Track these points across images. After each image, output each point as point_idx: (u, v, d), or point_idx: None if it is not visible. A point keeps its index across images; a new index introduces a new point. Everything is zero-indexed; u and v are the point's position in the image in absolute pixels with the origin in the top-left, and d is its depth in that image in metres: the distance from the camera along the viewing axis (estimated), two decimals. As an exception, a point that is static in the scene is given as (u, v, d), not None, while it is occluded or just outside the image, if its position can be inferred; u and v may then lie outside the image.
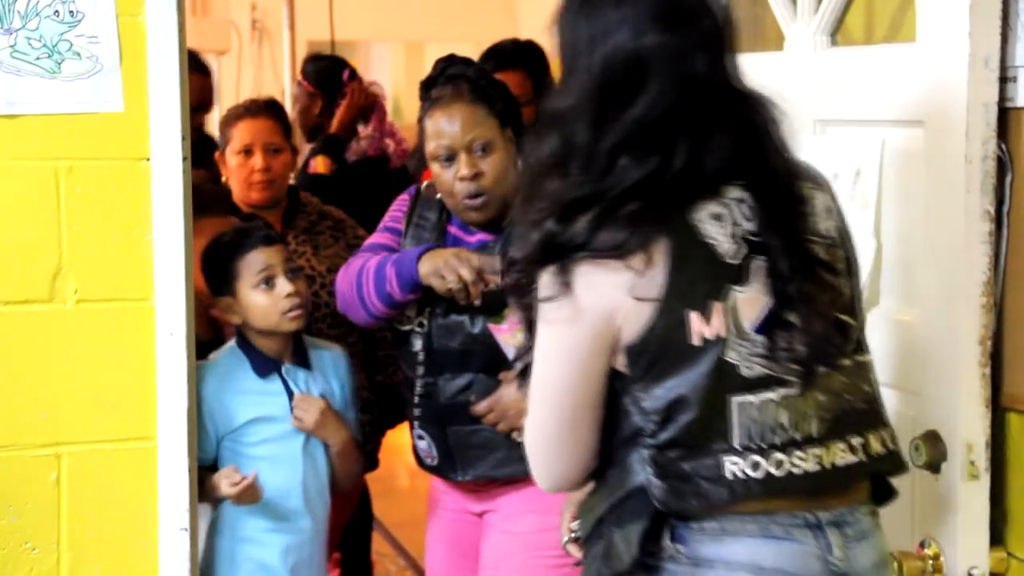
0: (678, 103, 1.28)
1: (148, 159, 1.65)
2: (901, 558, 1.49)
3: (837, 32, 1.70)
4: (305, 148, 3.31)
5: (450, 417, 1.90)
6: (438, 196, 1.98)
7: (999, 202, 1.44)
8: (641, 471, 1.30)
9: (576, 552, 1.51)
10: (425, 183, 2.04)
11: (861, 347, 1.36)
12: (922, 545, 1.50)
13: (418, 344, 1.91)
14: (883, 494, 1.38)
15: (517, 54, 2.90)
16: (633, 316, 1.28)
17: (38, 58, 1.61)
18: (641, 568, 1.31)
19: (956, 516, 1.46)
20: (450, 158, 1.88)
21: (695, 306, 1.27)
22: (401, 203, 2.05)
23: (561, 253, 1.28)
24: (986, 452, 1.45)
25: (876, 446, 1.33)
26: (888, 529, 1.57)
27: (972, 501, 1.45)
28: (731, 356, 1.27)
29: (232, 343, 1.92)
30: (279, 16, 4.34)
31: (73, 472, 1.66)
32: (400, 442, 2.46)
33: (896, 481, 1.53)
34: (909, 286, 1.55)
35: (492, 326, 1.87)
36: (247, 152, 2.43)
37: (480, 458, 1.90)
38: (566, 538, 1.52)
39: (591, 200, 1.28)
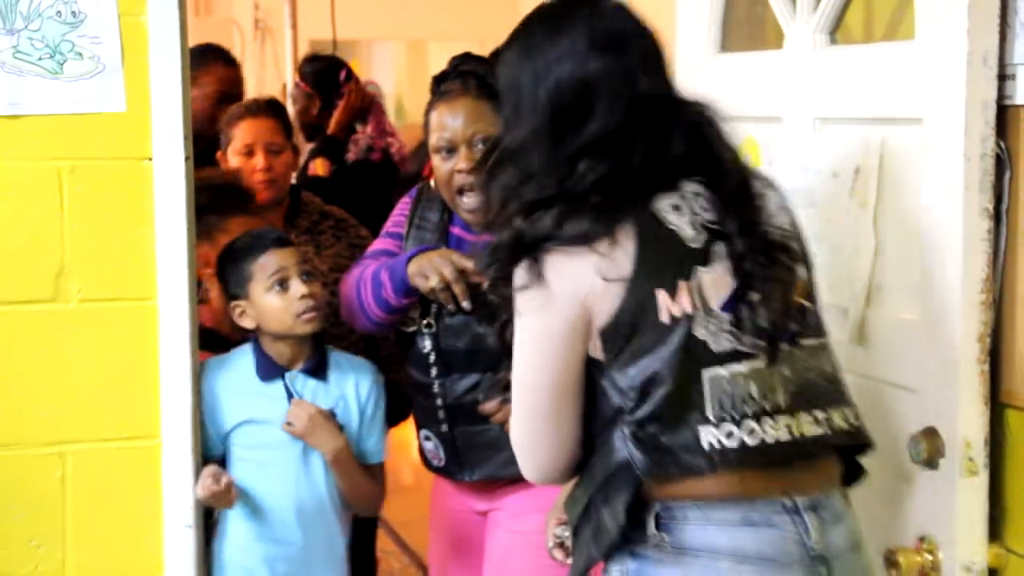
0: (628, 117, 1.34)
1: (150, 159, 1.65)
2: (899, 553, 1.48)
3: (836, 30, 1.69)
4: (305, 147, 3.30)
5: (457, 417, 1.90)
6: (439, 195, 1.97)
7: (998, 199, 1.43)
8: (623, 447, 1.33)
9: (561, 557, 1.55)
10: (424, 184, 2.03)
11: (821, 330, 1.41)
12: (920, 541, 1.49)
13: (427, 345, 1.90)
14: (853, 476, 1.42)
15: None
16: (604, 298, 1.33)
17: (40, 58, 1.60)
18: (629, 555, 1.34)
19: (954, 512, 1.45)
20: (451, 151, 1.87)
21: (662, 285, 1.32)
22: (403, 206, 2.04)
23: (531, 247, 1.34)
24: (984, 448, 1.44)
25: (840, 421, 1.37)
26: (887, 525, 1.57)
27: (970, 497, 1.44)
28: (699, 332, 1.31)
29: (249, 343, 1.89)
30: (281, 15, 4.33)
31: (77, 470, 1.66)
32: (404, 439, 2.45)
33: (894, 478, 1.54)
34: (908, 283, 1.54)
35: None
36: (249, 152, 2.42)
37: (487, 458, 1.89)
38: (551, 543, 1.57)
39: (555, 198, 1.34)
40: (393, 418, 2.57)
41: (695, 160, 1.37)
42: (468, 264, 1.82)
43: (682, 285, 1.32)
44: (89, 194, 1.64)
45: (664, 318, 1.31)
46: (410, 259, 1.86)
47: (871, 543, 1.52)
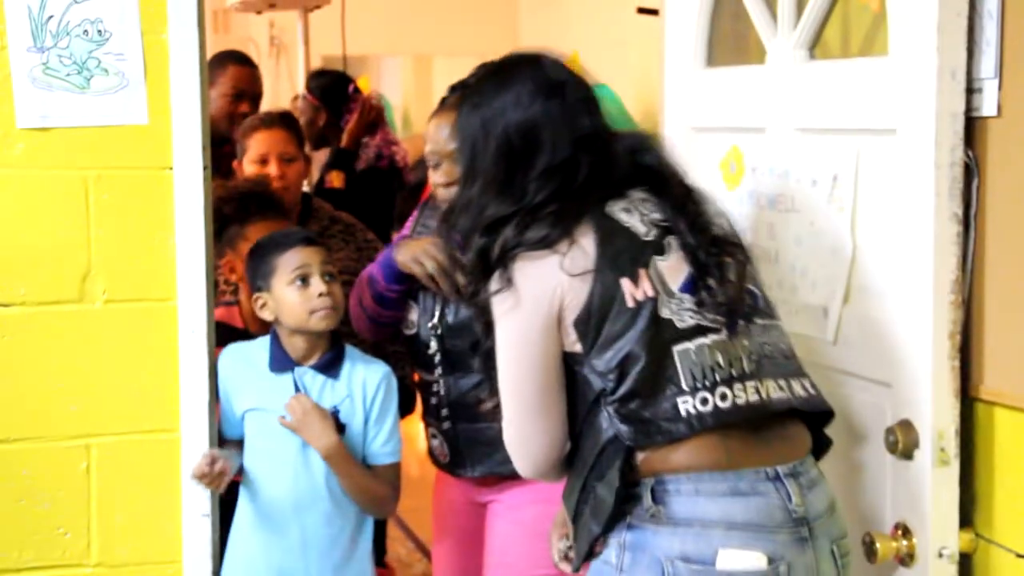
0: (573, 150, 1.43)
1: (171, 168, 1.67)
2: (877, 539, 1.51)
3: (815, 46, 1.71)
4: (313, 156, 3.34)
5: (460, 415, 1.90)
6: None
7: (966, 205, 1.46)
8: (610, 426, 1.38)
9: (567, 567, 1.56)
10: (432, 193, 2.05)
11: (772, 313, 1.48)
12: (896, 527, 1.51)
13: (432, 345, 1.90)
14: (820, 448, 1.48)
15: None
16: (572, 293, 1.39)
17: (68, 74, 1.63)
18: (626, 528, 1.38)
19: (928, 500, 1.47)
20: (437, 164, 1.87)
21: (624, 274, 1.39)
22: (413, 215, 2.06)
23: (498, 258, 1.40)
24: (956, 440, 1.46)
25: (799, 390, 1.44)
26: (864, 512, 1.60)
27: (942, 486, 1.46)
28: (664, 312, 1.39)
29: (268, 335, 1.85)
30: (295, 33, 4.36)
31: (102, 462, 1.69)
32: (410, 433, 2.48)
33: (872, 467, 1.57)
34: (883, 284, 1.56)
35: None
36: (263, 161, 2.46)
37: (488, 455, 1.89)
38: (557, 557, 1.59)
39: (513, 214, 1.41)
40: (399, 412, 2.60)
41: (639, 176, 1.45)
42: (454, 252, 1.80)
43: (642, 273, 1.39)
44: (114, 201, 1.66)
45: (630, 303, 1.38)
46: (395, 251, 1.87)
47: (850, 530, 1.55)
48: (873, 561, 1.51)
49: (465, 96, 1.51)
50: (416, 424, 2.10)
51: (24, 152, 1.64)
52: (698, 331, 1.39)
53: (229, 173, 2.52)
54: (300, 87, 3.99)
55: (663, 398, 1.36)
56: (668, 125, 2.01)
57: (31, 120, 1.63)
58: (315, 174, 3.43)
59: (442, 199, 1.89)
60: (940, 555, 1.47)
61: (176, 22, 1.65)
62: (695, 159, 1.94)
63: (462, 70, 2.24)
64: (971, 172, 1.46)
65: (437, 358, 1.91)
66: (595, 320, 1.38)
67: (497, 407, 1.50)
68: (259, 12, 4.36)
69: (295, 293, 1.78)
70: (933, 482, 1.46)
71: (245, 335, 2.04)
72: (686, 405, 1.36)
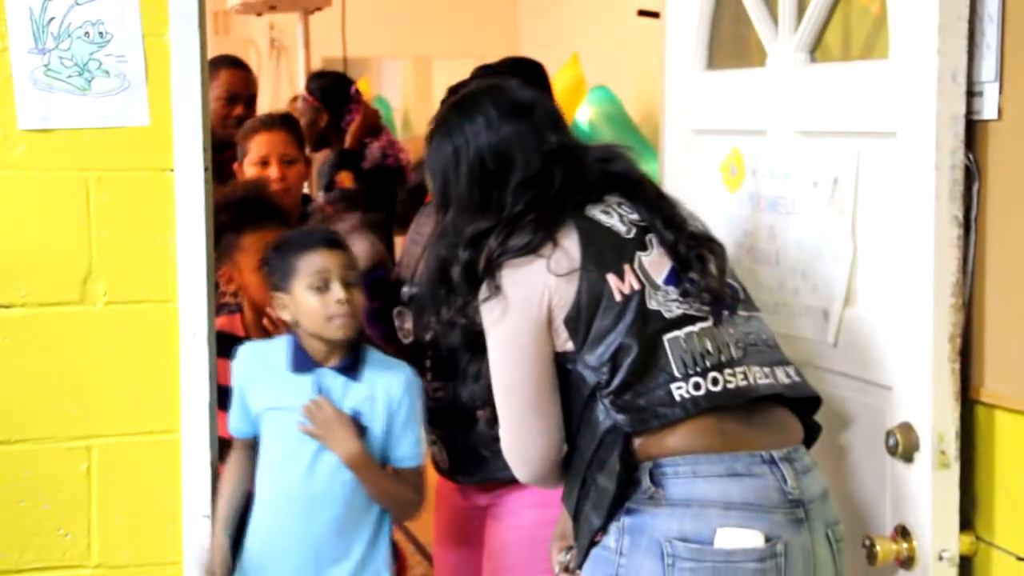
0: (544, 163, 1.46)
1: (172, 170, 1.67)
2: (877, 542, 1.50)
3: (816, 49, 1.71)
4: (313, 157, 3.34)
5: (458, 422, 1.90)
6: None
7: (967, 208, 1.45)
8: (607, 417, 1.40)
9: None
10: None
11: (753, 306, 1.51)
12: (897, 530, 1.51)
13: (429, 353, 1.90)
14: (811, 437, 1.50)
15: (513, 75, 2.90)
16: (560, 293, 1.41)
17: (70, 76, 1.63)
18: (625, 513, 1.39)
19: (928, 502, 1.47)
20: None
21: (610, 269, 1.42)
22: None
23: (484, 270, 1.42)
24: (956, 442, 1.46)
25: (783, 377, 1.46)
26: (864, 514, 1.59)
27: (943, 488, 1.46)
28: (652, 304, 1.42)
29: (288, 335, 1.80)
30: (295, 34, 4.36)
31: (102, 463, 1.68)
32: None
33: (872, 470, 1.56)
34: (883, 287, 1.55)
35: None
36: (263, 163, 2.45)
37: (486, 462, 1.89)
38: (557, 569, 1.60)
39: (494, 226, 1.44)
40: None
41: (613, 183, 1.48)
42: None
43: (627, 268, 1.42)
44: (115, 203, 1.66)
45: (617, 297, 1.41)
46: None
47: (851, 532, 1.55)
48: (873, 564, 1.50)
49: (433, 130, 1.53)
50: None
51: (25, 153, 1.64)
52: (686, 320, 1.41)
53: (227, 178, 2.51)
54: (300, 89, 3.99)
55: (656, 385, 1.39)
56: (669, 127, 2.01)
57: (32, 122, 1.63)
58: (313, 176, 3.44)
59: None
60: (940, 558, 1.46)
61: (177, 24, 1.65)
62: (696, 161, 1.94)
63: (462, 72, 2.24)
64: (971, 175, 1.45)
65: (433, 366, 1.91)
66: (585, 317, 1.40)
67: (494, 415, 1.50)
68: (259, 14, 4.36)
69: (313, 298, 1.73)
70: (933, 485, 1.46)
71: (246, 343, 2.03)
72: (680, 390, 1.39)
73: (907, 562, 1.49)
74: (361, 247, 1.96)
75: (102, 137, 1.65)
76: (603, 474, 1.39)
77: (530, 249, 1.42)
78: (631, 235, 1.44)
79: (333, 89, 3.47)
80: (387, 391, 1.76)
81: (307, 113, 3.48)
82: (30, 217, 1.65)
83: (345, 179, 3.27)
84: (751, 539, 1.35)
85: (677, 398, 1.38)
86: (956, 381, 1.46)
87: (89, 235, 1.65)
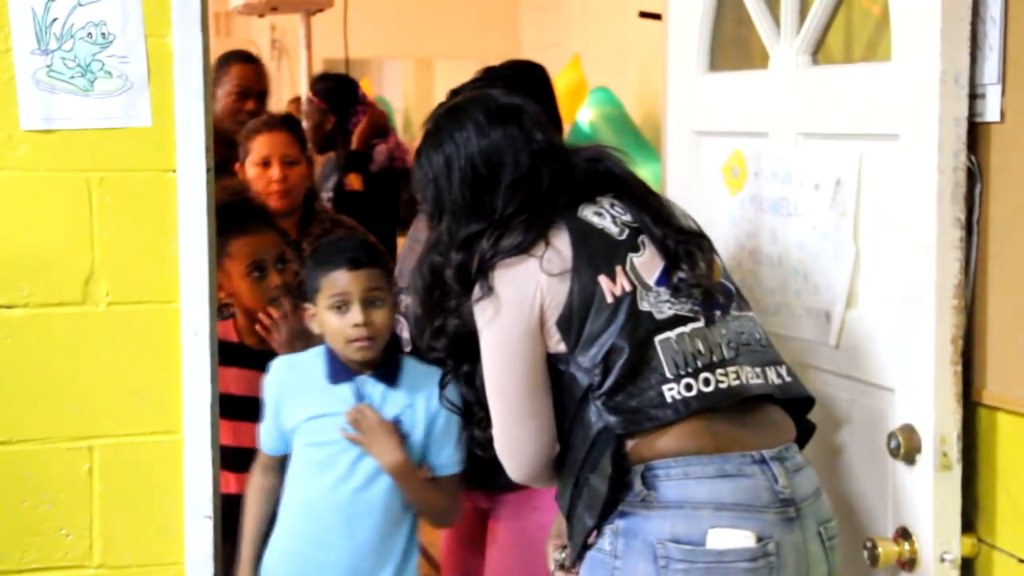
0: (534, 163, 1.47)
1: (174, 171, 1.66)
2: (879, 544, 1.50)
3: (818, 52, 1.70)
4: (318, 159, 3.34)
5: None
6: None
7: (969, 210, 1.45)
8: (599, 419, 1.40)
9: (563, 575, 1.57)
10: None
11: (746, 305, 1.51)
12: (899, 532, 1.50)
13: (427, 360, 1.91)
14: (804, 437, 1.50)
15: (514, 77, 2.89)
16: (552, 294, 1.41)
17: (72, 77, 1.62)
18: (619, 516, 1.39)
19: (930, 504, 1.46)
20: None
21: (601, 271, 1.42)
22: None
23: (477, 271, 1.42)
24: (958, 444, 1.46)
25: (774, 377, 1.46)
26: (866, 516, 1.59)
27: (945, 490, 1.46)
28: (643, 305, 1.42)
29: (323, 345, 1.77)
30: (296, 35, 4.35)
31: (104, 463, 1.67)
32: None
33: (874, 472, 1.55)
34: (885, 288, 1.55)
35: None
36: (265, 164, 2.44)
37: (485, 466, 1.88)
38: (553, 567, 1.60)
39: (486, 228, 1.44)
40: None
41: (602, 182, 1.48)
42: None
43: (619, 269, 1.42)
44: (117, 204, 1.65)
45: (609, 299, 1.41)
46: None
47: (853, 534, 1.54)
48: (875, 565, 1.50)
49: (423, 142, 1.53)
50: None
51: (28, 154, 1.63)
52: (677, 321, 1.42)
53: (235, 174, 2.50)
54: (302, 90, 3.99)
55: (648, 386, 1.39)
56: (671, 129, 2.00)
57: (35, 122, 1.62)
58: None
59: None
60: (942, 560, 1.46)
61: (180, 25, 1.64)
62: (698, 163, 1.93)
63: (463, 73, 2.23)
64: (974, 177, 1.45)
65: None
66: (577, 318, 1.41)
67: (487, 416, 1.49)
68: (261, 15, 4.35)
69: (334, 318, 1.72)
70: (935, 487, 1.45)
71: (240, 349, 2.01)
72: (671, 392, 1.39)
73: (908, 564, 1.49)
74: None
75: (104, 138, 1.64)
76: (595, 475, 1.39)
77: (522, 249, 1.43)
78: (623, 236, 1.45)
79: (338, 91, 3.47)
80: (427, 398, 1.72)
81: (313, 115, 3.47)
82: (32, 217, 1.64)
83: (354, 181, 3.27)
84: (742, 539, 1.35)
85: (669, 399, 1.38)
86: (958, 383, 1.45)
87: (91, 236, 1.65)
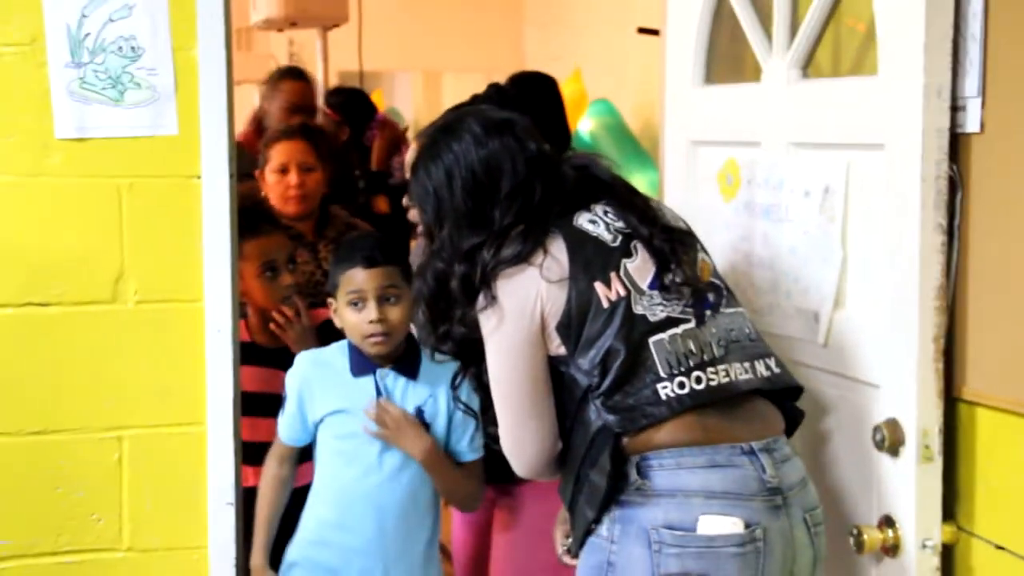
0: (529, 170, 1.48)
1: (199, 177, 1.68)
2: (864, 531, 1.51)
3: (808, 66, 1.71)
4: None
5: None
6: None
7: (951, 217, 1.46)
8: (598, 418, 1.41)
9: (570, 561, 1.58)
10: None
11: (736, 302, 1.52)
12: (883, 519, 1.52)
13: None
14: (792, 426, 1.51)
15: (518, 95, 2.89)
16: (551, 300, 1.43)
17: (104, 88, 1.64)
18: (615, 506, 1.41)
19: (912, 494, 1.47)
20: None
21: (597, 277, 1.44)
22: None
23: (480, 281, 1.44)
24: (939, 438, 1.47)
25: (763, 370, 1.47)
26: (852, 505, 1.60)
27: (927, 481, 1.47)
28: (637, 309, 1.43)
29: (345, 340, 1.77)
30: (313, 49, 4.37)
31: (133, 453, 1.69)
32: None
33: (860, 463, 1.57)
34: (871, 290, 1.56)
35: None
36: (283, 170, 2.46)
37: (493, 463, 1.87)
38: (560, 550, 1.62)
39: (486, 240, 1.45)
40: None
41: (594, 189, 1.50)
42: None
43: (613, 275, 1.44)
44: (145, 208, 1.67)
45: (605, 304, 1.42)
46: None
47: (839, 522, 1.56)
48: (860, 551, 1.51)
49: (420, 156, 1.53)
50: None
51: (62, 161, 1.65)
52: (669, 323, 1.43)
53: None
54: (318, 102, 4.01)
55: (644, 385, 1.40)
56: (668, 139, 2.02)
57: (69, 131, 1.64)
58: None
59: None
60: (924, 546, 1.47)
61: (205, 39, 1.66)
62: (694, 171, 1.95)
63: (469, 85, 2.25)
64: (955, 185, 1.46)
65: None
66: (575, 323, 1.42)
67: (493, 416, 1.51)
68: (280, 30, 4.38)
69: (351, 314, 1.73)
70: (918, 477, 1.47)
71: (252, 347, 2.02)
72: (665, 390, 1.40)
73: (892, 550, 1.50)
74: None
75: (134, 146, 1.66)
76: (595, 471, 1.41)
77: (522, 258, 1.43)
78: (617, 243, 1.45)
79: (352, 103, 3.48)
80: (447, 389, 1.73)
81: (327, 126, 3.48)
82: (66, 221, 1.66)
83: (382, 204, 3.25)
84: (731, 525, 1.37)
85: (663, 397, 1.40)
86: (940, 380, 1.46)
87: (121, 238, 1.67)
